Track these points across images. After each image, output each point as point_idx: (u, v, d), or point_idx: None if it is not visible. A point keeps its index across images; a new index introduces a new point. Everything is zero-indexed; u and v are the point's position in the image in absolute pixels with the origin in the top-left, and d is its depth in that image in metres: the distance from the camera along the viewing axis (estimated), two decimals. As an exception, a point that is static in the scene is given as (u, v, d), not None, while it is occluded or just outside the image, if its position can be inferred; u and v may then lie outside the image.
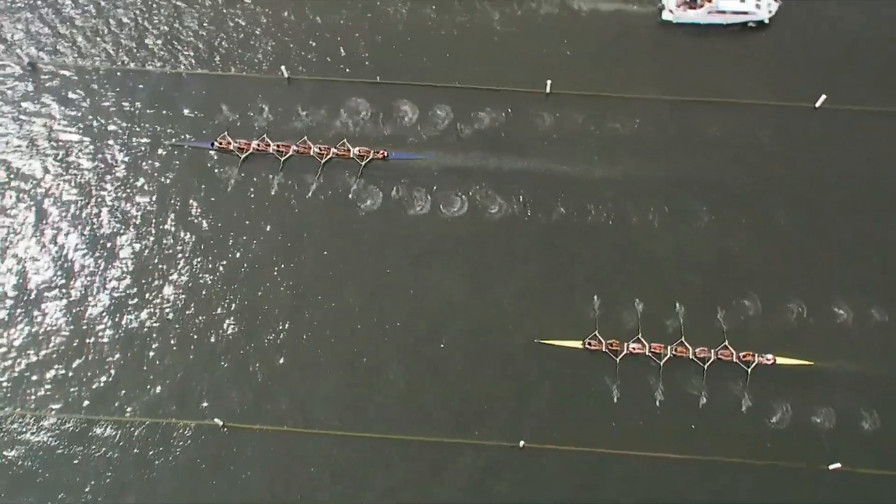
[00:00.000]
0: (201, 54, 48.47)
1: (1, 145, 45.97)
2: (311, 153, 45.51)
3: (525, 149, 45.69)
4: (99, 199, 44.82)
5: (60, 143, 46.19)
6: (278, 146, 45.57)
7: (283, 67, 46.88)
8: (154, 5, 50.07)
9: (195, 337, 41.43)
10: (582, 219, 43.91)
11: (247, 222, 44.40)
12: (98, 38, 49.10)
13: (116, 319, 41.93)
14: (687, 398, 39.88)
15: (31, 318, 42.00)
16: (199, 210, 44.70)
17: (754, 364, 40.21)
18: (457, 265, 43.07)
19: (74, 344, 41.46)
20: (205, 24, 49.44)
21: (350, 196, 44.65)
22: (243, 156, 45.58)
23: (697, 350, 40.56)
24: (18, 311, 42.15)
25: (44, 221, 44.35)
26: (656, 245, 43.30)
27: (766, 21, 49.03)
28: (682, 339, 40.91)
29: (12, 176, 45.41)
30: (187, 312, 41.99)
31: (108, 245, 43.73)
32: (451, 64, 48.18)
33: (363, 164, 45.42)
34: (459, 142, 45.84)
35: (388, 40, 48.84)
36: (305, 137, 46.12)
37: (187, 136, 46.34)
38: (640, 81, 47.56)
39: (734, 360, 40.42)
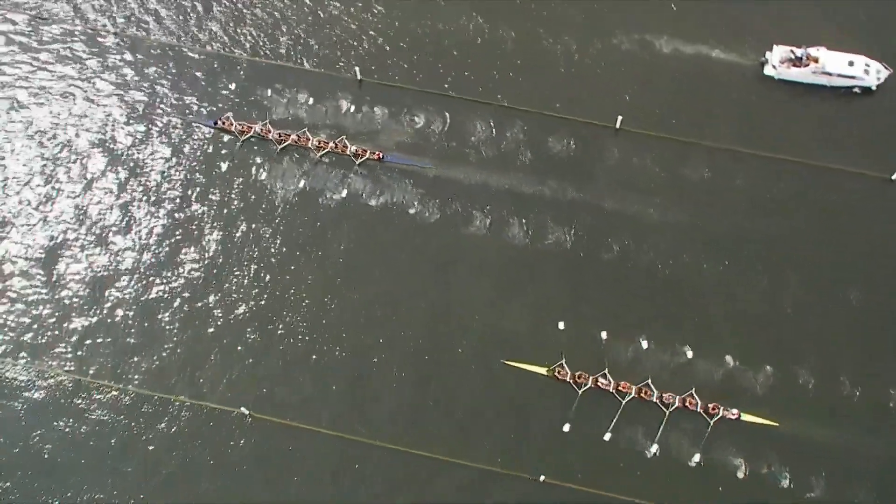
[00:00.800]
0: (279, 45, 49.22)
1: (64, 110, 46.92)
2: (310, 145, 45.61)
3: (584, 180, 45.00)
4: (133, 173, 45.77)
5: (109, 111, 47.21)
6: (279, 134, 45.71)
7: (357, 68, 46.87)
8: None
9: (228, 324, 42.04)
10: (624, 256, 43.21)
11: (235, 204, 44.89)
12: (180, 18, 50.02)
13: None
14: (641, 440, 39.26)
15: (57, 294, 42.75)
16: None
17: (718, 416, 39.34)
18: (484, 278, 43.05)
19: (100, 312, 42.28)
20: (288, 17, 49.99)
21: (361, 196, 44.90)
22: (242, 138, 45.75)
23: (665, 395, 39.82)
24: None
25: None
26: (688, 291, 42.58)
27: (874, 88, 46.83)
28: (649, 380, 40.21)
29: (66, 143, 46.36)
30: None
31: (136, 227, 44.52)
32: (522, 86, 47.59)
33: (357, 161, 45.40)
34: (517, 164, 45.41)
35: (464, 56, 48.51)
36: (306, 129, 46.22)
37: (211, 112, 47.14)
38: (721, 131, 46.27)
39: (698, 410, 39.60)
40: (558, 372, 40.48)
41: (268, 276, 42.97)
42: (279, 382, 40.51)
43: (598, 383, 40.11)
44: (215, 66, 48.57)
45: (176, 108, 47.26)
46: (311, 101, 47.04)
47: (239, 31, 49.50)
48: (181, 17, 49.98)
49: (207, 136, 46.57)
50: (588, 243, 43.61)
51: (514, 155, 45.78)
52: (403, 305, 42.19)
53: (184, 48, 48.94)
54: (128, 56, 48.81)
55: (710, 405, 39.59)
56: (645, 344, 40.96)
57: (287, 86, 47.61)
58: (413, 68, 48.03)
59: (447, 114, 46.72)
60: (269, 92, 47.53)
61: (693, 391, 39.94)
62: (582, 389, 40.19)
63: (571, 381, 40.33)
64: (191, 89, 47.89)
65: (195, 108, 47.23)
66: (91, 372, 40.70)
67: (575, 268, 43.20)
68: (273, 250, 43.64)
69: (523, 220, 44.04)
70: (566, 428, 39.34)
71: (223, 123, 46.15)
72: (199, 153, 46.26)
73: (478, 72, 47.95)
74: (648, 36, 49.11)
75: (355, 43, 48.97)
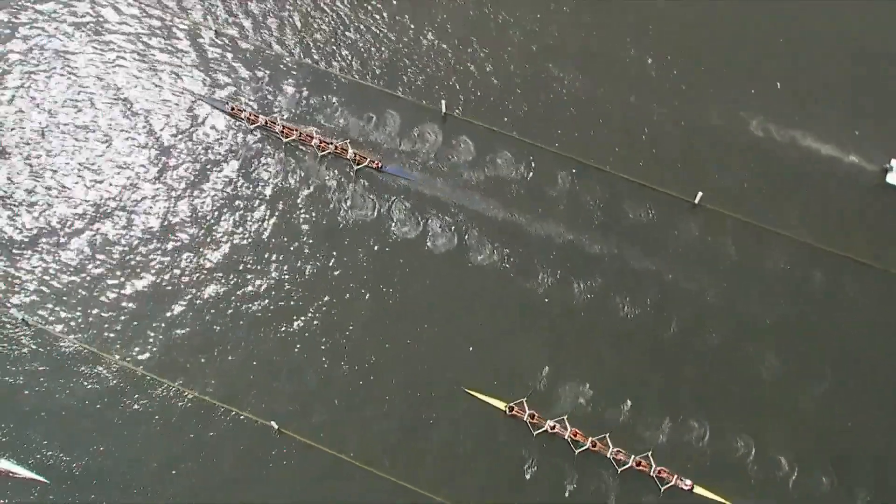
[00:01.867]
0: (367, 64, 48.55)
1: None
2: (312, 144, 45.40)
3: (649, 248, 43.34)
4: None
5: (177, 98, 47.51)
6: (284, 128, 45.73)
7: (443, 102, 45.84)
8: (343, 14, 50.13)
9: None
10: (655, 325, 41.98)
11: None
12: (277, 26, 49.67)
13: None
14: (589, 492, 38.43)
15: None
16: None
17: (670, 484, 38.00)
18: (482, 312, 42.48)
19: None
20: (385, 40, 49.25)
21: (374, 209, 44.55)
22: (252, 127, 46.18)
23: (617, 452, 38.65)
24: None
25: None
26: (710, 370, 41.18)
27: None
28: (607, 436, 39.09)
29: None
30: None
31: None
32: (604, 145, 45.96)
33: (356, 167, 45.07)
34: (584, 221, 44.10)
35: (554, 106, 47.14)
36: (314, 129, 45.91)
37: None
38: (817, 228, 43.68)
39: (651, 474, 38.33)
40: (517, 411, 39.67)
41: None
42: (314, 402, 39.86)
43: (550, 426, 39.14)
44: (301, 73, 47.82)
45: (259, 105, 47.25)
46: (392, 126, 46.08)
47: (332, 46, 48.69)
48: (279, 26, 49.51)
49: (239, 130, 46.62)
50: (631, 308, 42.20)
51: (583, 211, 44.08)
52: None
53: (280, 56, 48.54)
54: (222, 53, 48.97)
55: (665, 471, 38.28)
56: (627, 405, 39.84)
57: (372, 109, 46.66)
58: (502, 112, 46.37)
59: (527, 161, 45.08)
60: (351, 111, 46.74)
61: (650, 454, 38.69)
62: (537, 432, 39.30)
63: (528, 420, 39.47)
64: (273, 93, 47.57)
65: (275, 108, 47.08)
66: (141, 360, 40.53)
67: (613, 331, 42.00)
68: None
69: (581, 280, 42.81)
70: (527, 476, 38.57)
71: (234, 109, 46.43)
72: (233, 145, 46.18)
73: (563, 124, 46.19)
74: (744, 114, 46.78)
75: (447, 75, 47.56)
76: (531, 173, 45.06)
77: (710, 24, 50.56)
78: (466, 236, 43.67)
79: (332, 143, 45.25)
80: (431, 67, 48.08)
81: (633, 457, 38.55)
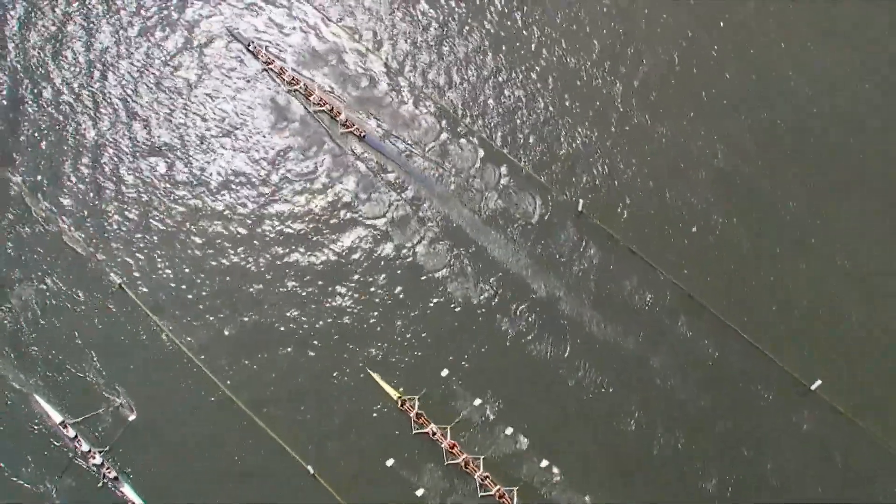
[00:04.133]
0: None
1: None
2: (311, 98, 46.28)
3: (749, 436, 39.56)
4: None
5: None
6: (293, 78, 46.67)
7: (581, 200, 43.65)
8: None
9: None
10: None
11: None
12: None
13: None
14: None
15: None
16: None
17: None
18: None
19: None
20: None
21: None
22: (264, 67, 47.36)
23: (485, 476, 38.82)
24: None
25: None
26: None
27: None
28: (482, 458, 39.28)
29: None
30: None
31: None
32: (735, 301, 41.85)
33: (339, 131, 45.69)
34: (684, 374, 40.68)
35: (698, 248, 43.30)
36: (317, 85, 46.70)
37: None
38: None
39: (492, 494, 38.58)
40: (407, 406, 40.31)
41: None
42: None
43: (435, 435, 39.61)
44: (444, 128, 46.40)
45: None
46: (527, 207, 44.33)
47: (478, 106, 46.93)
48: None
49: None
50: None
51: (689, 361, 40.83)
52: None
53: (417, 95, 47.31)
54: None
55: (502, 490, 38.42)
56: (515, 436, 39.80)
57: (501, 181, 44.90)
58: (640, 229, 43.32)
59: (650, 291, 42.12)
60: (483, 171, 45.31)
61: (515, 490, 38.64)
62: (417, 431, 39.90)
63: (413, 418, 40.06)
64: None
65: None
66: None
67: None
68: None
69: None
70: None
71: (256, 48, 47.56)
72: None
73: (701, 267, 42.45)
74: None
75: (587, 172, 44.97)
76: (648, 296, 42.03)
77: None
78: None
79: (328, 104, 46.12)
80: (581, 162, 45.22)
81: (498, 487, 38.62)
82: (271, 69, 47.36)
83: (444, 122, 46.20)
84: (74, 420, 40.06)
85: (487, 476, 38.83)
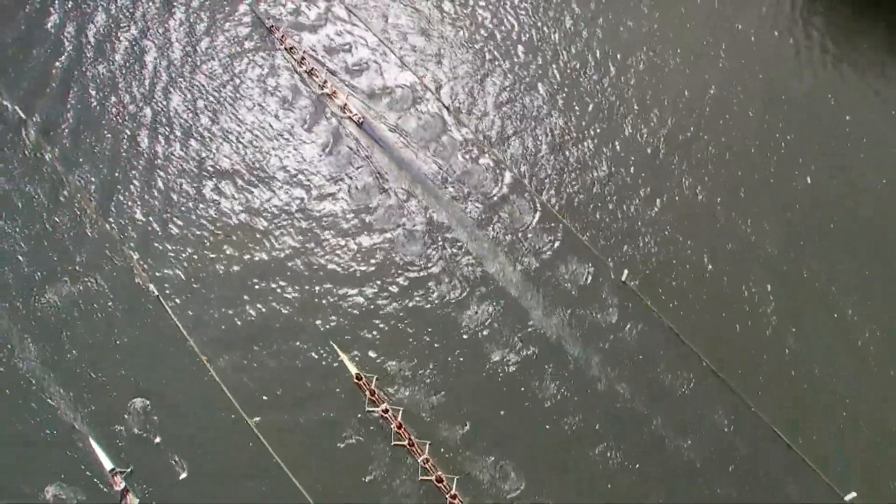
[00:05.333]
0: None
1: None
2: (315, 79, 47.38)
3: None
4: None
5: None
6: (303, 55, 47.84)
7: (626, 270, 43.23)
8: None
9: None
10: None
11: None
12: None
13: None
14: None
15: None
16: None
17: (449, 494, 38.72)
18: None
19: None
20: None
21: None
22: (280, 46, 48.61)
23: (427, 460, 39.35)
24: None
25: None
26: None
27: None
28: (428, 444, 39.80)
29: None
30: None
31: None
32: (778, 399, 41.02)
33: (343, 115, 46.68)
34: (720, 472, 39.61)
35: (748, 338, 42.28)
36: (326, 70, 47.63)
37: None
38: None
39: (446, 496, 38.92)
40: (364, 382, 40.89)
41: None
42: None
43: (387, 413, 40.20)
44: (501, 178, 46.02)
45: None
46: (564, 270, 43.62)
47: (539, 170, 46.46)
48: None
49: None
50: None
51: (720, 451, 39.92)
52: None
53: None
54: None
55: (458, 499, 38.74)
56: (465, 428, 40.06)
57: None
58: (687, 311, 42.38)
59: (688, 374, 41.20)
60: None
61: (456, 479, 39.14)
62: (368, 409, 40.34)
63: (368, 395, 40.62)
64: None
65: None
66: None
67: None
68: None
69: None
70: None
71: (275, 28, 48.65)
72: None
73: (745, 360, 41.46)
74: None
75: (635, 243, 44.31)
76: (685, 379, 41.10)
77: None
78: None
79: (333, 87, 47.18)
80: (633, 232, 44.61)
81: (438, 473, 39.20)
82: (287, 50, 48.48)
83: (500, 174, 45.87)
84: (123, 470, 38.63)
85: (430, 461, 39.38)
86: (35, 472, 38.31)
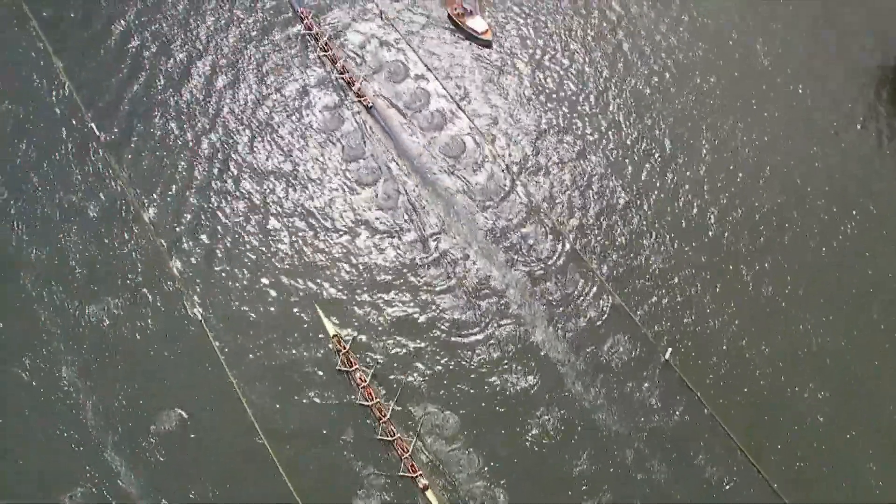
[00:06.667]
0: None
1: None
2: (335, 65, 50.28)
3: None
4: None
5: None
6: (327, 43, 51.03)
7: (670, 349, 41.96)
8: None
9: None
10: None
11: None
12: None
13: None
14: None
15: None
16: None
17: (410, 475, 37.93)
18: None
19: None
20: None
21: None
22: (306, 32, 52.11)
23: (388, 422, 38.88)
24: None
25: None
26: None
27: None
28: (392, 404, 39.42)
29: None
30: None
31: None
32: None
33: (356, 99, 49.12)
34: None
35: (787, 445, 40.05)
36: (344, 56, 50.66)
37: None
38: None
39: (398, 455, 38.62)
40: (341, 342, 40.95)
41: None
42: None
43: (356, 373, 39.93)
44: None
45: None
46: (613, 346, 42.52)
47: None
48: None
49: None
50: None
51: None
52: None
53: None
54: None
55: (413, 464, 38.08)
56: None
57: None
58: (731, 400, 40.66)
59: (724, 465, 39.14)
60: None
61: (413, 446, 38.31)
62: (340, 367, 40.72)
63: (342, 356, 40.64)
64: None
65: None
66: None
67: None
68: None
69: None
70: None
71: (303, 14, 52.36)
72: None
73: (786, 456, 39.37)
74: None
75: (680, 323, 43.11)
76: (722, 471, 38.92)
77: None
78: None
79: (350, 73, 49.96)
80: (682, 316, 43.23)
81: (397, 437, 38.41)
82: (310, 33, 51.83)
83: (563, 247, 45.42)
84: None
85: (391, 424, 38.63)
86: (54, 479, 38.40)
